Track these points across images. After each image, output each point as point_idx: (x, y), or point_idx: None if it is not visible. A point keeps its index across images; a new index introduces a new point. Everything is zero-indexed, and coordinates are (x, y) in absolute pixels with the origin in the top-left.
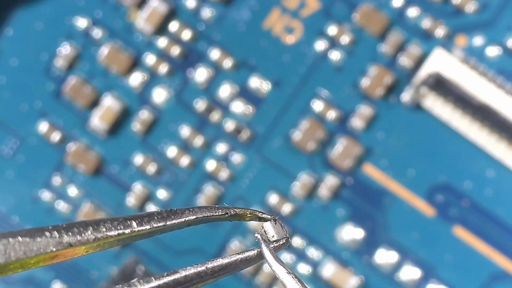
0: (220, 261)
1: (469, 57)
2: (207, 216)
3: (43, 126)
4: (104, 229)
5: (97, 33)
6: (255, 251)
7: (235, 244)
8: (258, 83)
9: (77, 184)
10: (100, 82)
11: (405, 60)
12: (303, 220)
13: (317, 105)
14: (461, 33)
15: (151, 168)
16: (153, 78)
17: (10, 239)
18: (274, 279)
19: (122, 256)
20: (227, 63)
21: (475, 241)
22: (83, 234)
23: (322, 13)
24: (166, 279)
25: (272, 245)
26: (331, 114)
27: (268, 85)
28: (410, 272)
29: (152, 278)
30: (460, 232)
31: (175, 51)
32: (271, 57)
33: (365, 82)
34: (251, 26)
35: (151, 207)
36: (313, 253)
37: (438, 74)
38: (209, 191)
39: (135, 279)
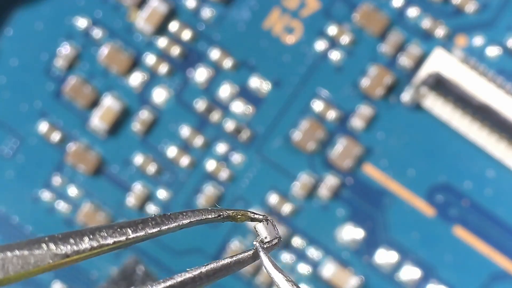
0: (215, 265)
1: (469, 57)
2: (200, 219)
3: (43, 126)
4: (100, 238)
5: (97, 33)
6: (250, 253)
7: (235, 244)
8: (258, 83)
9: (77, 184)
10: (100, 82)
11: (405, 60)
12: (303, 220)
13: (317, 105)
14: (461, 33)
15: (151, 168)
16: (153, 78)
17: (8, 253)
18: None
19: (122, 256)
20: (227, 63)
21: (475, 241)
22: (79, 244)
23: (322, 13)
24: (162, 286)
25: (265, 245)
26: (331, 114)
27: (268, 85)
28: (410, 272)
29: (148, 286)
30: (460, 232)
31: (175, 51)
32: (271, 57)
33: (365, 82)
34: (251, 26)
35: (151, 207)
36: (313, 253)
37: (438, 74)
38: (209, 191)
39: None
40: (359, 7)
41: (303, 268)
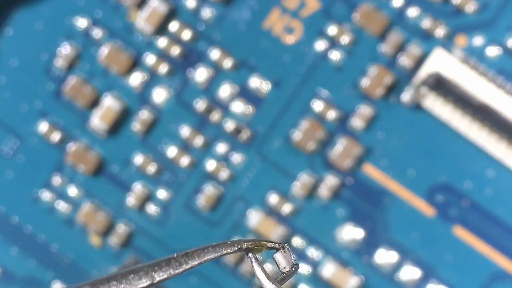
0: None
1: (469, 57)
2: (221, 254)
3: (43, 126)
4: (132, 282)
5: (97, 33)
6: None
7: None
8: (258, 83)
9: (77, 184)
10: (100, 82)
11: (405, 60)
12: (303, 220)
13: (317, 105)
14: (461, 33)
15: (151, 168)
16: (153, 78)
17: None
18: None
19: (122, 256)
20: (227, 63)
21: (475, 241)
22: None
23: (322, 13)
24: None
25: (285, 275)
26: (331, 114)
27: (268, 85)
28: (410, 272)
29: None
30: (460, 232)
31: (175, 51)
32: (271, 57)
33: (365, 82)
34: (251, 26)
35: (151, 207)
36: (313, 253)
37: (438, 74)
38: (209, 191)
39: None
40: (359, 7)
41: (303, 268)
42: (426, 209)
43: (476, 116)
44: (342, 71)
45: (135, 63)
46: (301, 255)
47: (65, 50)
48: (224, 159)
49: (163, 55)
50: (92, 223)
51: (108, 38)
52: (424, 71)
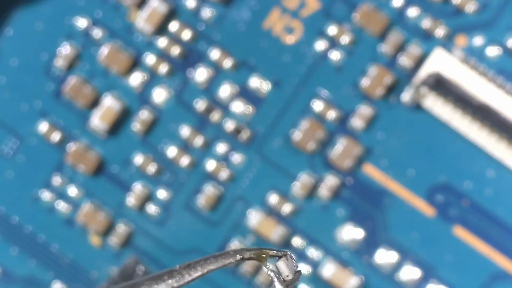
0: None
1: (469, 57)
2: (224, 264)
3: (43, 126)
4: None
5: (97, 33)
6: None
7: (235, 244)
8: (258, 83)
9: (77, 184)
10: (100, 82)
11: (405, 60)
12: (303, 220)
13: (317, 105)
14: (461, 33)
15: (151, 168)
16: (153, 78)
17: None
18: None
19: (122, 256)
20: (227, 63)
21: (475, 241)
22: None
23: (322, 13)
24: None
25: (288, 283)
26: (331, 114)
27: (268, 85)
28: (410, 272)
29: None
30: (460, 232)
31: (175, 51)
32: (271, 57)
33: (365, 82)
34: (251, 26)
35: (151, 207)
36: (313, 253)
37: (438, 74)
38: (209, 191)
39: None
40: (359, 7)
41: (303, 268)
42: (426, 209)
43: (476, 116)
44: (342, 71)
45: (135, 63)
46: (301, 255)
47: (65, 50)
48: (224, 159)
49: (163, 55)
50: (92, 223)
51: (108, 38)
52: (424, 71)
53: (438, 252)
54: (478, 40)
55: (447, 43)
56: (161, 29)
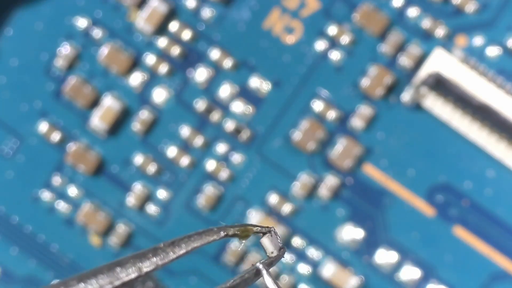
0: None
1: (469, 57)
2: (208, 241)
3: (43, 126)
4: (115, 280)
5: (97, 33)
6: (253, 271)
7: (235, 244)
8: (258, 83)
9: (77, 184)
10: (100, 82)
11: (405, 60)
12: (303, 220)
13: (317, 105)
14: (461, 33)
15: (151, 168)
16: (153, 78)
17: None
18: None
19: (122, 256)
20: (227, 63)
21: (475, 241)
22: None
23: (322, 13)
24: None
25: (272, 260)
26: (331, 114)
27: (268, 85)
28: (410, 272)
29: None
30: (460, 232)
31: (175, 51)
32: (271, 57)
33: (365, 82)
34: (251, 26)
35: (151, 207)
36: (313, 253)
37: (438, 74)
38: (209, 191)
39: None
40: (359, 7)
41: (303, 268)
42: (426, 209)
43: (476, 116)
44: (342, 71)
45: (135, 63)
46: (301, 255)
47: (65, 50)
48: (224, 159)
49: (163, 55)
50: (92, 223)
51: (108, 38)
52: (424, 71)
53: (438, 252)
54: (478, 40)
55: (447, 43)
56: (161, 29)
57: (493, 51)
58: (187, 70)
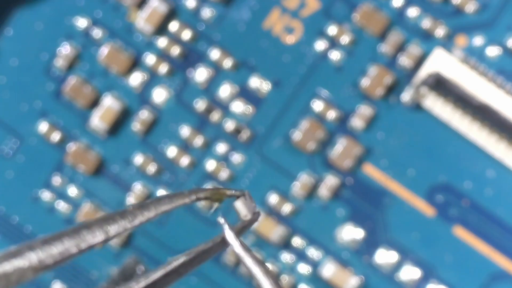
0: (183, 258)
1: (469, 57)
2: (178, 205)
3: (43, 126)
4: (80, 241)
5: (97, 33)
6: (219, 239)
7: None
8: (258, 83)
9: (77, 184)
10: (100, 82)
11: (405, 60)
12: (303, 220)
13: (317, 105)
14: (461, 33)
15: (151, 168)
16: (153, 78)
17: None
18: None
19: (122, 256)
20: (227, 63)
21: (475, 241)
22: (62, 246)
23: (322, 13)
24: (139, 286)
25: (246, 224)
26: (331, 114)
27: (268, 85)
28: (410, 272)
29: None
30: (460, 232)
31: (175, 51)
32: (271, 57)
33: (365, 82)
34: (251, 26)
35: None
36: (313, 253)
37: (438, 74)
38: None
39: None
40: (359, 7)
41: (303, 268)
42: (426, 209)
43: (476, 116)
44: (342, 71)
45: (135, 63)
46: (301, 255)
47: (65, 50)
48: (224, 159)
49: (163, 55)
50: None
51: (108, 38)
52: (424, 71)
53: (438, 252)
54: (478, 40)
55: (447, 43)
56: (161, 29)
57: (493, 51)
58: (187, 70)
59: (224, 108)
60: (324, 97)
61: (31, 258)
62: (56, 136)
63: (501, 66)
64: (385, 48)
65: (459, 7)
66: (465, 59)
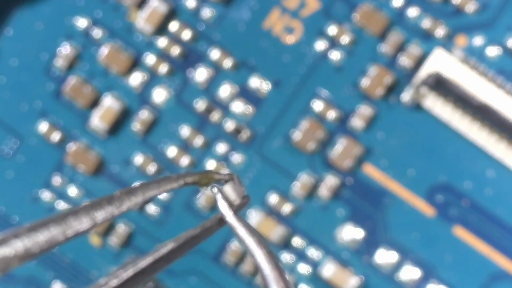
0: (172, 245)
1: (469, 57)
2: (165, 189)
3: (43, 126)
4: (67, 228)
5: (97, 33)
6: (216, 219)
7: (235, 244)
8: (258, 83)
9: (77, 184)
10: (100, 82)
11: (405, 60)
12: (303, 220)
13: (317, 105)
14: (461, 33)
15: (151, 168)
16: (153, 78)
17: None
18: None
19: (122, 256)
20: (227, 63)
21: (475, 241)
22: (50, 232)
23: (322, 13)
24: (127, 273)
25: (235, 208)
26: (331, 114)
27: (268, 85)
28: (410, 272)
29: (112, 276)
30: (460, 232)
31: (175, 51)
32: (271, 57)
33: (365, 82)
34: (251, 26)
35: (151, 207)
36: (313, 253)
37: (438, 74)
38: (209, 191)
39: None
40: (359, 7)
41: (303, 268)
42: (426, 209)
43: (476, 116)
44: (342, 71)
45: (135, 63)
46: (301, 255)
47: (65, 50)
48: (224, 159)
49: (163, 55)
50: None
51: (108, 38)
52: (424, 71)
53: (438, 252)
54: (478, 40)
55: (447, 43)
56: (161, 29)
57: (493, 51)
58: (187, 70)
59: (224, 108)
60: (324, 97)
61: (17, 246)
62: (56, 136)
63: (501, 66)
64: (385, 48)
65: (459, 7)
66: (465, 59)
